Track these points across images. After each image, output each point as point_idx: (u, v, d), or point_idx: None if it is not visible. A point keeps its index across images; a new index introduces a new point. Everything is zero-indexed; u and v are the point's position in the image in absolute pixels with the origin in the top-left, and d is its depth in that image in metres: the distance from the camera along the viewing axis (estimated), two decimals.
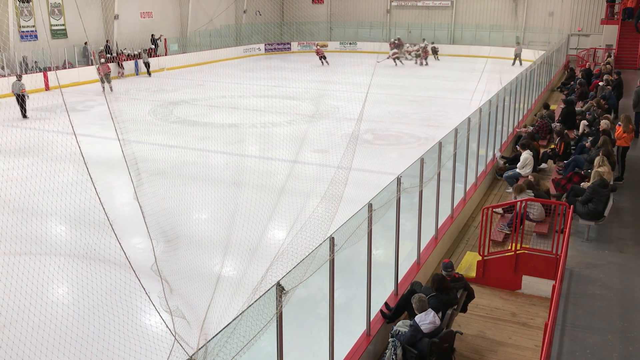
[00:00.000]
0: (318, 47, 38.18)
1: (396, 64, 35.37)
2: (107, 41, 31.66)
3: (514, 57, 35.35)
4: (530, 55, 31.13)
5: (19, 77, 21.05)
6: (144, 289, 6.35)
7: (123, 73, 30.40)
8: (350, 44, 43.44)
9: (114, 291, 8.01)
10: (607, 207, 9.24)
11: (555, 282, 6.55)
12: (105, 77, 26.10)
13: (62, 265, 9.09)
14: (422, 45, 37.46)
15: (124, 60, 31.11)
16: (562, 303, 7.19)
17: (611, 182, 9.98)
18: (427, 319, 6.17)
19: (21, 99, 20.05)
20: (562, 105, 17.62)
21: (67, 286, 8.71)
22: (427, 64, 36.37)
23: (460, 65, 35.70)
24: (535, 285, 8.28)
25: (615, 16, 31.12)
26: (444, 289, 6.73)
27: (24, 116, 20.49)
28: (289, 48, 43.46)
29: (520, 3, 39.67)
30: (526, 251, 8.42)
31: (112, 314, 7.61)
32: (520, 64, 34.17)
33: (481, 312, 7.84)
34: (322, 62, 35.58)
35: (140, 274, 6.85)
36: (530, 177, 10.60)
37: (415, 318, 6.27)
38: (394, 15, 43.91)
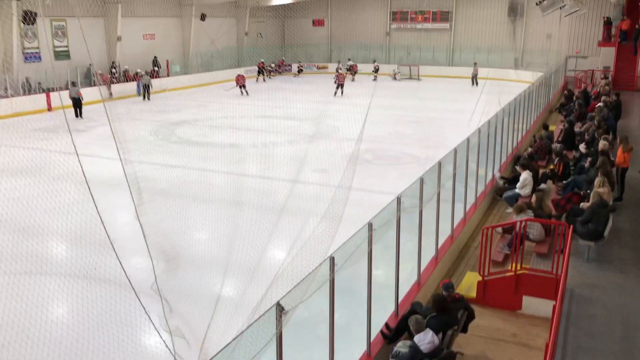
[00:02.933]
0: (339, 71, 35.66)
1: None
2: (112, 62, 31.96)
3: (471, 77, 36.40)
4: (529, 77, 31.36)
5: (74, 84, 26.04)
6: (144, 308, 6.35)
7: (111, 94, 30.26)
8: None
9: (114, 311, 8.00)
10: (607, 227, 9.26)
11: (556, 303, 6.55)
12: (107, 86, 30.17)
13: (62, 284, 9.08)
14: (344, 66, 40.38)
15: (130, 80, 31.36)
16: (563, 324, 7.17)
17: (610, 203, 10.01)
18: (425, 339, 6.16)
19: (78, 102, 24.63)
20: (563, 126, 17.68)
21: (67, 306, 8.70)
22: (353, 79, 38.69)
23: (459, 86, 35.97)
24: (536, 305, 8.26)
25: (612, 38, 31.44)
26: (445, 310, 6.72)
27: (80, 116, 24.64)
28: (290, 69, 43.83)
29: (518, 25, 40.11)
30: (526, 271, 8.42)
31: (112, 333, 7.59)
32: (477, 84, 35.26)
33: (482, 332, 7.81)
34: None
35: (140, 293, 6.86)
36: (533, 197, 10.60)
37: (414, 338, 6.26)
38: (393, 38, 44.36)
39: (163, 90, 33.05)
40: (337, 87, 31.78)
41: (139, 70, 31.78)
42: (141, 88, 30.89)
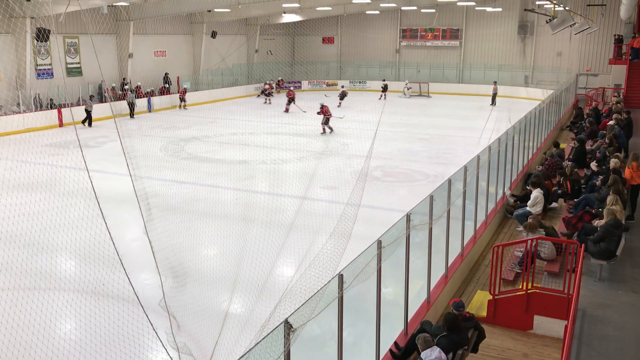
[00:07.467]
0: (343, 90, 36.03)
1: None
2: (124, 79, 32.28)
3: (492, 96, 35.52)
4: (539, 95, 31.34)
5: (91, 97, 28.26)
6: (152, 324, 6.32)
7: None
8: (359, 82, 44.01)
9: (122, 327, 7.97)
10: (619, 246, 9.14)
11: (568, 323, 6.45)
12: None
13: (70, 300, 9.08)
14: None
15: (142, 96, 31.45)
16: (575, 344, 7.06)
17: (623, 222, 9.89)
18: (432, 355, 6.10)
19: (89, 113, 27.21)
20: (574, 144, 17.58)
21: (74, 322, 8.68)
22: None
23: (469, 104, 35.97)
24: (547, 325, 8.15)
25: (623, 56, 31.36)
26: (456, 329, 6.64)
27: (90, 125, 27.04)
28: (300, 86, 44.05)
29: (528, 43, 40.15)
30: (537, 290, 8.32)
31: (120, 349, 7.55)
32: (495, 104, 34.63)
33: (492, 352, 7.70)
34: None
35: (148, 309, 6.84)
36: (530, 219, 10.45)
37: (421, 355, 6.21)
38: (403, 55, 44.53)
39: (173, 107, 33.33)
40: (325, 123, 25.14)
41: (128, 88, 31.03)
42: (156, 103, 30.99)
